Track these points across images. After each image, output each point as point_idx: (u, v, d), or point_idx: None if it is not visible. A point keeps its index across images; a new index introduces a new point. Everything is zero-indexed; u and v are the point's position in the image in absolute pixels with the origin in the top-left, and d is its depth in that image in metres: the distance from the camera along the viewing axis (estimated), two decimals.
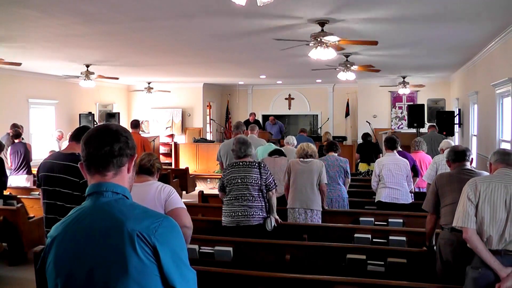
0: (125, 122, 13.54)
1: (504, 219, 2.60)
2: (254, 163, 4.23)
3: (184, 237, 1.49)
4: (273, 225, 4.19)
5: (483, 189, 2.66)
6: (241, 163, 4.22)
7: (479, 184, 2.70)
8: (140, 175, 3.09)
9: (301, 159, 5.01)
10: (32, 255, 4.09)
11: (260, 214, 4.14)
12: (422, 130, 10.23)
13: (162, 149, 12.99)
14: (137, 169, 3.03)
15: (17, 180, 7.19)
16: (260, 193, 4.17)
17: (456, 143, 10.23)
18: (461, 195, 2.78)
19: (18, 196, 6.08)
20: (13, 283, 4.87)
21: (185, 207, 3.03)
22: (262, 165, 4.24)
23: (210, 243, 3.88)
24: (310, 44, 5.61)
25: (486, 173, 3.33)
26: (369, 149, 7.95)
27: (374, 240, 4.20)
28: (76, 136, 3.28)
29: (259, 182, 4.15)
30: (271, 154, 5.76)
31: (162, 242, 1.30)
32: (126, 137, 1.44)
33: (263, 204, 4.19)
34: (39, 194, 4.64)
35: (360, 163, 8.47)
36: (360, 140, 10.82)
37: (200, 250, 3.81)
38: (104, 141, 1.39)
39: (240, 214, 4.10)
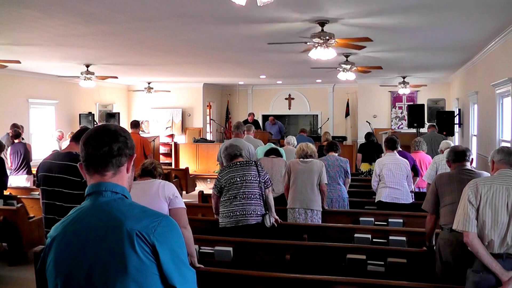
0: (125, 122, 13.53)
1: (506, 223, 2.54)
2: (251, 162, 4.31)
3: (184, 238, 1.49)
4: (272, 221, 4.21)
5: (484, 192, 2.59)
6: (238, 163, 4.25)
7: (480, 186, 2.62)
8: (143, 177, 3.35)
9: (301, 159, 5.01)
10: (32, 255, 4.10)
11: (258, 212, 4.15)
12: (422, 130, 10.22)
13: (162, 149, 12.99)
14: (140, 172, 3.32)
15: (17, 180, 7.19)
16: (259, 191, 4.19)
17: (456, 143, 10.23)
18: (461, 198, 2.72)
19: (18, 196, 6.08)
20: (13, 283, 4.87)
21: (185, 207, 3.23)
22: (258, 163, 4.32)
23: (210, 243, 3.87)
24: (308, 43, 5.61)
25: (486, 173, 3.32)
26: (371, 149, 7.93)
27: (374, 240, 4.19)
28: (77, 137, 3.28)
29: (258, 180, 4.18)
30: (268, 153, 5.75)
31: (161, 241, 1.30)
32: (125, 137, 1.44)
33: (261, 202, 4.20)
34: (39, 194, 4.64)
35: (362, 163, 8.43)
36: (360, 140, 10.81)
37: (200, 250, 3.81)
38: (103, 141, 1.40)
39: (238, 213, 4.10)
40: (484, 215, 2.58)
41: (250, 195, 4.13)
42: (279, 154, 5.79)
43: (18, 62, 7.38)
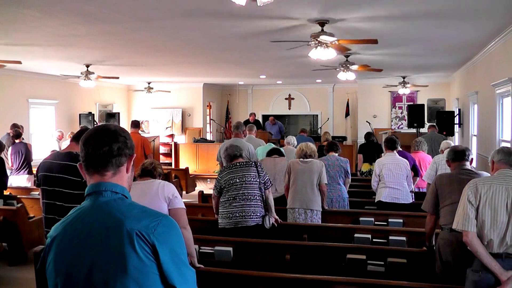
0: (125, 122, 13.54)
1: (505, 223, 2.55)
2: (251, 163, 4.28)
3: (184, 238, 1.49)
4: (271, 222, 4.20)
5: (484, 191, 2.61)
6: (238, 164, 4.25)
7: (479, 186, 2.64)
8: (143, 177, 3.35)
9: (301, 159, 5.01)
10: (32, 255, 4.10)
11: (258, 214, 4.14)
12: (422, 130, 10.23)
13: (162, 149, 12.99)
14: (140, 172, 3.32)
15: (18, 180, 7.19)
16: (259, 192, 4.18)
17: (456, 143, 10.23)
18: (461, 197, 2.73)
19: (18, 196, 6.08)
20: (13, 283, 4.87)
21: (185, 207, 3.23)
22: (258, 164, 4.30)
23: (210, 243, 3.87)
24: (311, 44, 5.61)
25: (486, 173, 3.33)
26: (371, 149, 7.91)
27: (374, 240, 4.20)
28: (77, 137, 3.29)
29: (258, 180, 4.17)
30: (270, 153, 5.75)
31: (161, 241, 1.31)
32: (125, 137, 1.44)
33: (260, 203, 4.19)
34: (39, 194, 4.65)
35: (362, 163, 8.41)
36: (360, 140, 10.80)
37: (200, 250, 3.81)
38: (102, 141, 1.40)
39: (237, 215, 4.10)
40: (483, 215, 2.59)
41: (249, 196, 4.12)
42: (281, 154, 5.79)
43: (19, 62, 7.38)
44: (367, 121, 12.54)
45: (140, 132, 8.78)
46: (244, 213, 4.09)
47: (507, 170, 2.71)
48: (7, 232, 5.23)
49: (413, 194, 5.57)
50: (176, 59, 8.75)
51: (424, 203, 3.53)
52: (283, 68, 10.36)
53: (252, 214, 4.10)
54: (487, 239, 2.58)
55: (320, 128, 14.27)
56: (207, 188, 9.87)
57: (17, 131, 7.36)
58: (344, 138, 13.47)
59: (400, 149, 5.73)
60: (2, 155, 6.14)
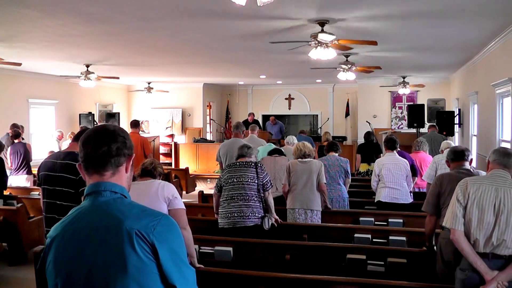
0: (125, 122, 13.54)
1: (492, 223, 2.55)
2: (251, 163, 4.26)
3: (184, 239, 1.50)
4: (270, 224, 4.19)
5: (473, 191, 2.62)
6: (238, 163, 4.25)
7: (469, 185, 2.65)
8: (143, 177, 3.33)
9: (300, 160, 5.01)
10: (32, 255, 4.10)
11: (256, 214, 4.13)
12: (422, 130, 10.23)
13: (162, 149, 13.00)
14: (140, 172, 3.30)
15: (17, 180, 7.18)
16: (257, 193, 4.17)
17: (456, 143, 10.23)
18: (452, 196, 2.75)
19: (18, 196, 6.08)
20: (13, 283, 4.87)
21: (185, 208, 3.22)
22: (259, 164, 4.27)
23: (210, 243, 3.87)
24: (311, 44, 5.61)
25: (485, 173, 3.33)
26: (370, 149, 7.89)
27: (374, 240, 4.20)
28: (78, 137, 3.31)
29: (256, 182, 4.16)
30: (271, 153, 5.77)
31: (160, 240, 1.31)
32: (124, 137, 1.45)
33: (259, 204, 4.18)
34: (39, 194, 4.65)
35: (360, 163, 8.39)
36: (360, 140, 10.79)
37: (200, 250, 3.81)
38: (101, 141, 1.40)
39: (236, 215, 4.10)
40: (470, 214, 2.60)
41: (247, 197, 4.12)
42: (282, 154, 5.80)
43: (19, 64, 7.36)
44: (367, 121, 12.54)
45: (140, 132, 8.77)
46: (242, 213, 4.09)
47: (499, 170, 2.70)
48: (7, 232, 5.23)
49: (411, 194, 5.57)
50: (176, 59, 8.75)
51: (424, 204, 3.53)
52: (283, 68, 10.36)
53: (250, 214, 4.10)
54: (473, 238, 2.60)
55: (320, 128, 14.28)
56: (207, 188, 9.87)
57: (16, 131, 7.36)
58: (344, 138, 13.47)
59: (399, 149, 5.73)
60: (2, 155, 6.14)
